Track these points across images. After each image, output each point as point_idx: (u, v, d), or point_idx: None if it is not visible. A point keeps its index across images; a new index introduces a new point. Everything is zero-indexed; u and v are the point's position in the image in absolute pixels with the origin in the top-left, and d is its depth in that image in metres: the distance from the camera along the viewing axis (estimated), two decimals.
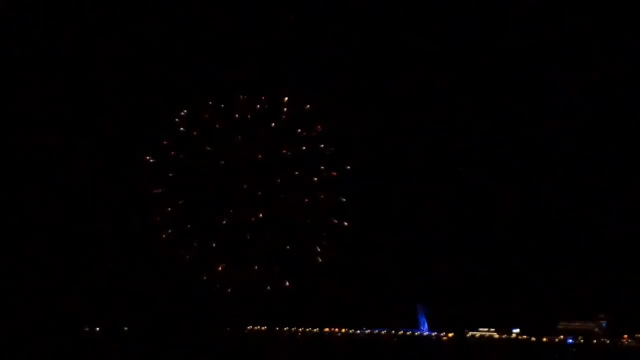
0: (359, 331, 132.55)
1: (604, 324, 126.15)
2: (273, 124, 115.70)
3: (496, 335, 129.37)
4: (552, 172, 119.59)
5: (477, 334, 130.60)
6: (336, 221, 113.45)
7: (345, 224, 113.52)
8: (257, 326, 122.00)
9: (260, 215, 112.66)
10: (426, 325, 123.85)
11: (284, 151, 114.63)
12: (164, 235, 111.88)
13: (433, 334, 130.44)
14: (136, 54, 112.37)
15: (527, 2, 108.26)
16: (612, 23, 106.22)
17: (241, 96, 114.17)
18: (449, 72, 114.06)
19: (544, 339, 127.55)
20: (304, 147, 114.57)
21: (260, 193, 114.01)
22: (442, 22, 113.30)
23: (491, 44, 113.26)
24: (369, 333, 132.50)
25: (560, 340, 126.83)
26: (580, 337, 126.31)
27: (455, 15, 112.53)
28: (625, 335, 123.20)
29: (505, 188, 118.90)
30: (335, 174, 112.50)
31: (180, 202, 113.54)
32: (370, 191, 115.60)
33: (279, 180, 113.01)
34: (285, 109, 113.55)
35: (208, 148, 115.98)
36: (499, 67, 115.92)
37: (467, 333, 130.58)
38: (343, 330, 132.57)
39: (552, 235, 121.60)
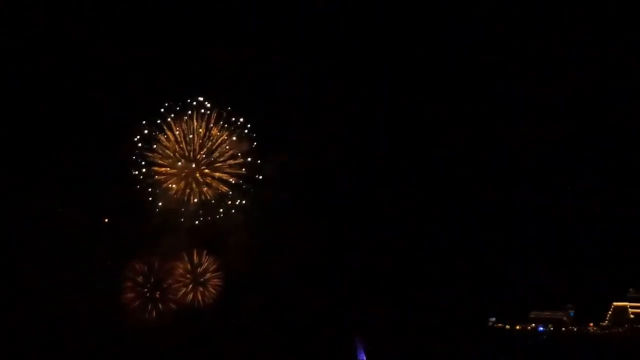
0: None
1: (571, 313, 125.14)
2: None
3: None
4: (525, 170, 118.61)
5: None
6: None
7: None
8: None
9: None
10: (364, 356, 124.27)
11: None
12: None
13: None
14: None
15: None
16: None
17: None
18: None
19: (518, 327, 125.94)
20: None
21: None
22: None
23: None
24: None
25: (532, 327, 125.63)
26: (550, 325, 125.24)
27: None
28: (591, 324, 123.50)
29: (479, 186, 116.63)
30: None
31: None
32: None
33: None
34: None
35: None
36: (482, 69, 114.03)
37: None
38: None
39: (525, 233, 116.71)
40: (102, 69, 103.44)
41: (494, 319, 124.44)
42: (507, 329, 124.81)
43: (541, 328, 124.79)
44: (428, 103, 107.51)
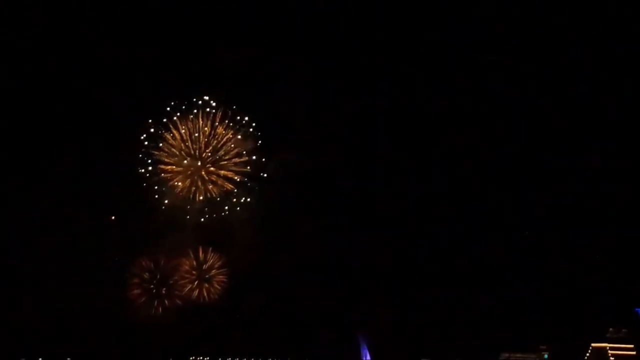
0: None
1: (545, 356, 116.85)
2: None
3: None
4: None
5: None
6: None
7: None
8: (199, 357, 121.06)
9: None
10: (368, 356, 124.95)
11: None
12: None
13: None
14: None
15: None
16: None
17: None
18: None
19: None
20: None
21: None
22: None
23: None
24: None
25: None
26: None
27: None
28: None
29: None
30: None
31: None
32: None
33: None
34: None
35: None
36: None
37: None
38: None
39: (494, 269, 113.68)
40: (109, 69, 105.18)
41: None
42: None
43: None
44: (430, 102, 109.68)
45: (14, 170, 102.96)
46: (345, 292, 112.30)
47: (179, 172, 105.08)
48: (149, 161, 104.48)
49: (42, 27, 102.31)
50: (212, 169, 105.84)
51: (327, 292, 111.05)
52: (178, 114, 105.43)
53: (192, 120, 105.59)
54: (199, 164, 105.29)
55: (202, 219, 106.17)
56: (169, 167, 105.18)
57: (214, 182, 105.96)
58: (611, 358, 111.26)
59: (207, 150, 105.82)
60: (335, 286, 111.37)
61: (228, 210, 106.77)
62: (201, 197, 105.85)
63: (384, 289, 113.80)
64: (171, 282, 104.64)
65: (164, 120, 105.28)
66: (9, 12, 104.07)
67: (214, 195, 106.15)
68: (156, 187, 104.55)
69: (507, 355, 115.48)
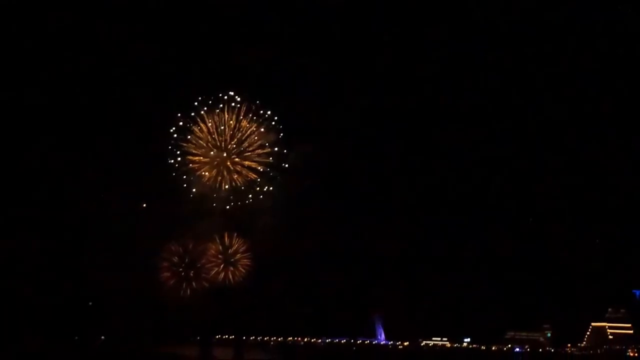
0: (320, 340, 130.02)
1: (548, 334, 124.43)
2: None
3: (448, 345, 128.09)
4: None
5: (431, 343, 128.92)
6: None
7: None
8: (224, 335, 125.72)
9: None
10: (383, 335, 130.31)
11: None
12: None
13: (390, 343, 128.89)
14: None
15: None
16: None
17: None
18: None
19: (494, 348, 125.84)
20: None
21: None
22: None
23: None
24: (329, 342, 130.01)
25: (508, 349, 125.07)
26: (526, 346, 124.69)
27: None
28: (569, 345, 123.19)
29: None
30: None
31: None
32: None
33: None
34: None
35: None
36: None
37: (422, 342, 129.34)
38: (305, 339, 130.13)
39: (502, 251, 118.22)
40: (142, 67, 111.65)
41: (468, 340, 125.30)
42: (483, 350, 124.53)
43: (518, 349, 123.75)
44: (444, 95, 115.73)
45: (52, 163, 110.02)
46: (361, 276, 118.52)
47: (205, 163, 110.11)
48: (178, 152, 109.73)
49: (81, 26, 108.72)
50: (236, 159, 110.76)
51: (345, 276, 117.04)
52: (205, 108, 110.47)
53: (218, 115, 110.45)
54: (225, 155, 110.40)
55: (228, 207, 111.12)
56: (197, 157, 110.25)
57: (238, 172, 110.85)
58: (610, 337, 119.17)
59: (232, 142, 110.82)
60: (352, 270, 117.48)
61: (251, 198, 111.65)
62: (226, 186, 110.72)
63: (398, 272, 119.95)
64: (199, 265, 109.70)
65: (192, 114, 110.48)
66: (45, 10, 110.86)
67: (239, 184, 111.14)
68: (185, 177, 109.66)
69: (512, 333, 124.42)
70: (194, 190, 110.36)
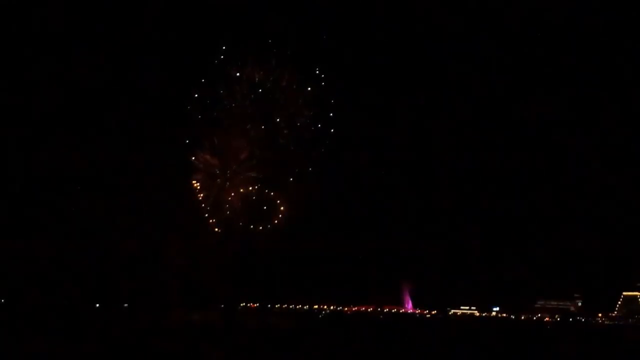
0: (346, 308, 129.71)
1: (579, 303, 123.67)
2: None
3: (477, 313, 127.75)
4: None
5: (459, 312, 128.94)
6: None
7: None
8: (249, 303, 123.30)
9: None
10: (410, 303, 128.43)
11: None
12: None
13: (417, 311, 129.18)
14: None
15: None
16: None
17: None
18: None
19: (522, 317, 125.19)
20: None
21: None
22: None
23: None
24: (355, 310, 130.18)
25: (537, 317, 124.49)
26: (556, 315, 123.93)
27: None
28: (600, 314, 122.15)
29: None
30: None
31: None
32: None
33: None
34: None
35: None
36: None
37: (450, 311, 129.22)
38: (331, 307, 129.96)
39: (532, 219, 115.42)
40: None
41: (497, 309, 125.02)
42: (512, 319, 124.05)
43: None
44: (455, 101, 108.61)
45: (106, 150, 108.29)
46: (393, 245, 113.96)
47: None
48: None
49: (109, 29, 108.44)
50: None
51: (376, 245, 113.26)
52: None
53: None
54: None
55: None
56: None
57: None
58: None
59: None
60: (383, 239, 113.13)
61: None
62: None
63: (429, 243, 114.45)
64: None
65: None
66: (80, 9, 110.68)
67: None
68: None
69: (542, 302, 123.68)
70: None
